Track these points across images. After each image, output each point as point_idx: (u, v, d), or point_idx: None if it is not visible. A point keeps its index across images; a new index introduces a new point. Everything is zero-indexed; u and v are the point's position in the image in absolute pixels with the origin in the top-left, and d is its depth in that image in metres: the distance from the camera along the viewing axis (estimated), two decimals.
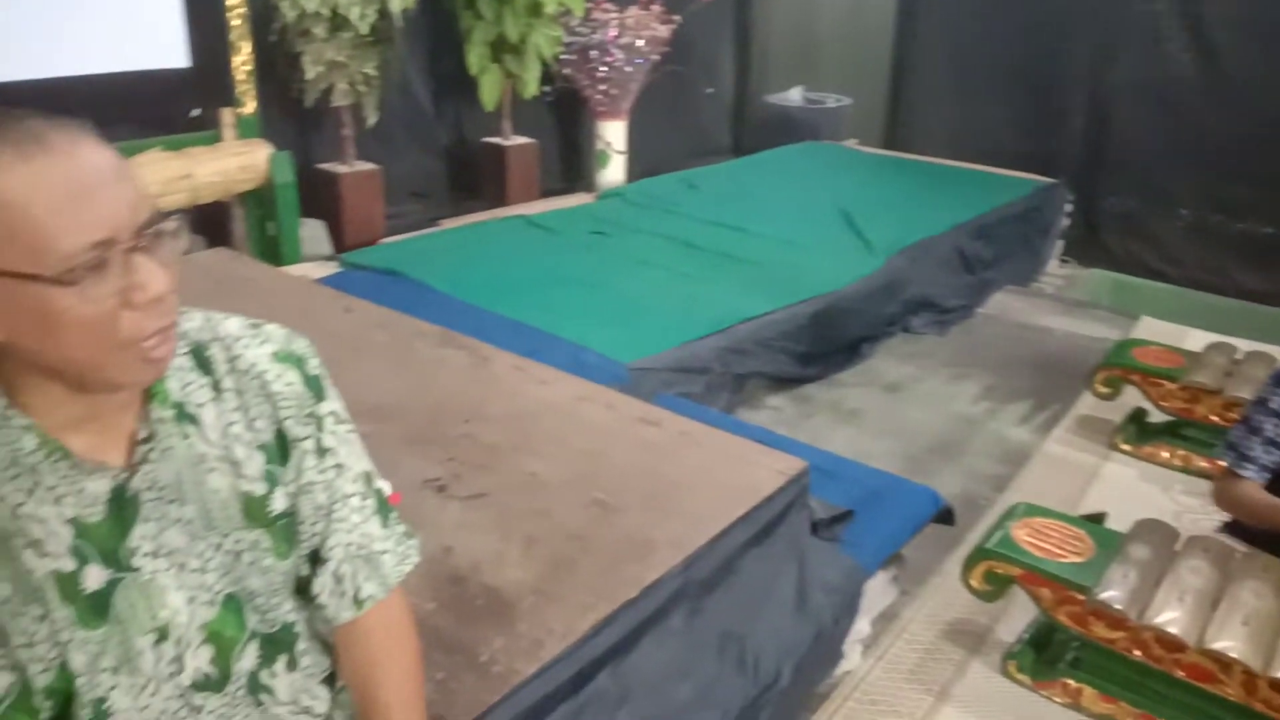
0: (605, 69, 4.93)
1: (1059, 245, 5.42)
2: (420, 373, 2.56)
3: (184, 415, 1.01)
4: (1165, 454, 3.24)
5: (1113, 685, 2.12)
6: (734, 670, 1.81)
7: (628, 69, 4.97)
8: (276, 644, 1.09)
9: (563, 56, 4.88)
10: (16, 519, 0.92)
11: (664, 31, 5.05)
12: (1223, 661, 1.88)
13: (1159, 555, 2.11)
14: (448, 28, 4.72)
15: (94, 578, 0.96)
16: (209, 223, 3.83)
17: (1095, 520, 2.33)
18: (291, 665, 1.12)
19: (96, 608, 0.96)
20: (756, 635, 1.87)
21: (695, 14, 5.48)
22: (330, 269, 3.78)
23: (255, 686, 1.08)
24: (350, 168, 4.29)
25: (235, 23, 3.65)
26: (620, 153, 5.25)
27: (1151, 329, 4.28)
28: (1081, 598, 2.04)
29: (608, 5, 4.95)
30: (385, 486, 1.19)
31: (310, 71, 3.87)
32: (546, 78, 4.90)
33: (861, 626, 2.21)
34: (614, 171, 5.26)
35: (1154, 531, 2.20)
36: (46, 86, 3.16)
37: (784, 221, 4.54)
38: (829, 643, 2.05)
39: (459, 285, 3.56)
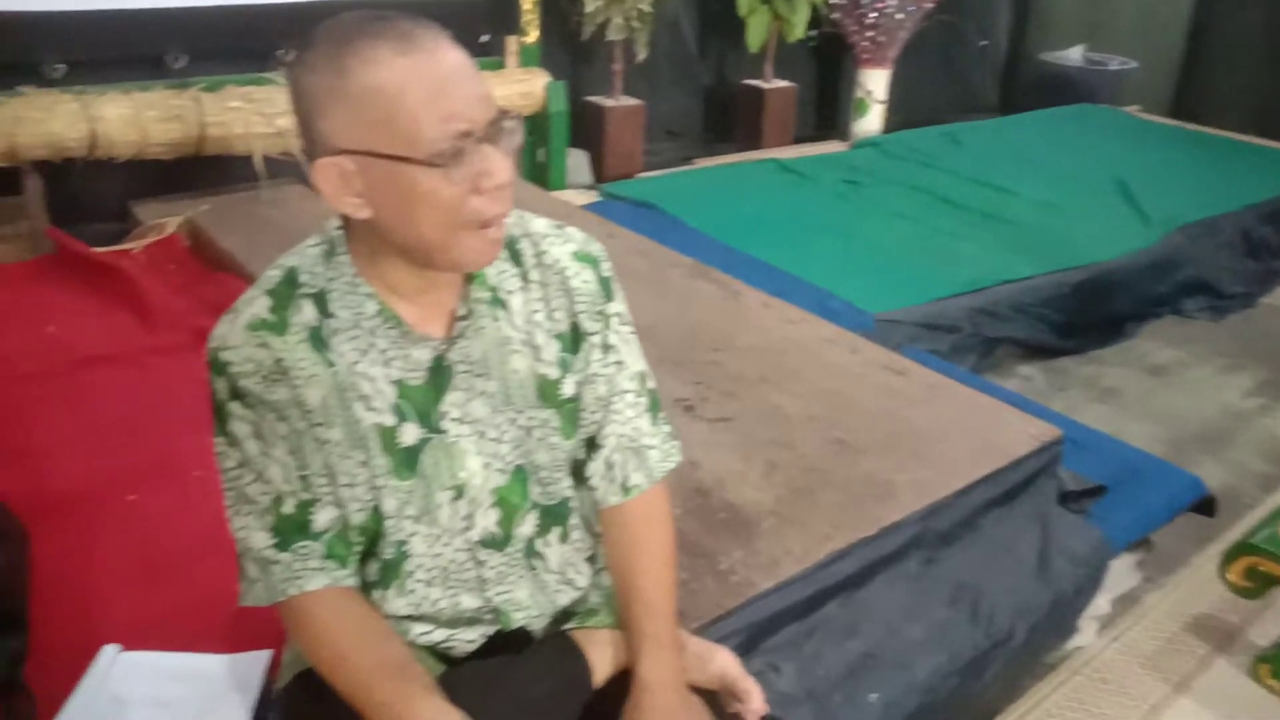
0: (875, 15, 4.81)
1: None
2: (675, 300, 2.65)
3: (496, 300, 1.11)
4: None
5: None
6: (966, 620, 1.80)
7: (898, 16, 4.83)
8: (553, 516, 1.19)
9: (832, 0, 4.80)
10: (352, 374, 1.05)
11: None
12: None
13: None
14: None
15: (409, 434, 1.08)
16: None
17: None
18: (563, 538, 1.21)
19: (409, 461, 1.09)
20: (992, 591, 1.85)
21: None
22: (590, 197, 3.94)
23: (530, 552, 1.18)
24: (616, 102, 4.43)
25: None
26: (880, 102, 5.12)
27: None
28: None
29: None
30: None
31: (590, 5, 4.01)
32: (813, 22, 4.83)
33: (1100, 604, 2.13)
34: (871, 121, 5.14)
35: None
36: (355, 4, 3.44)
37: (1052, 185, 4.30)
38: (1066, 612, 2.00)
39: (711, 223, 3.63)
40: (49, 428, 2.15)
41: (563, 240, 1.16)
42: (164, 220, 3.18)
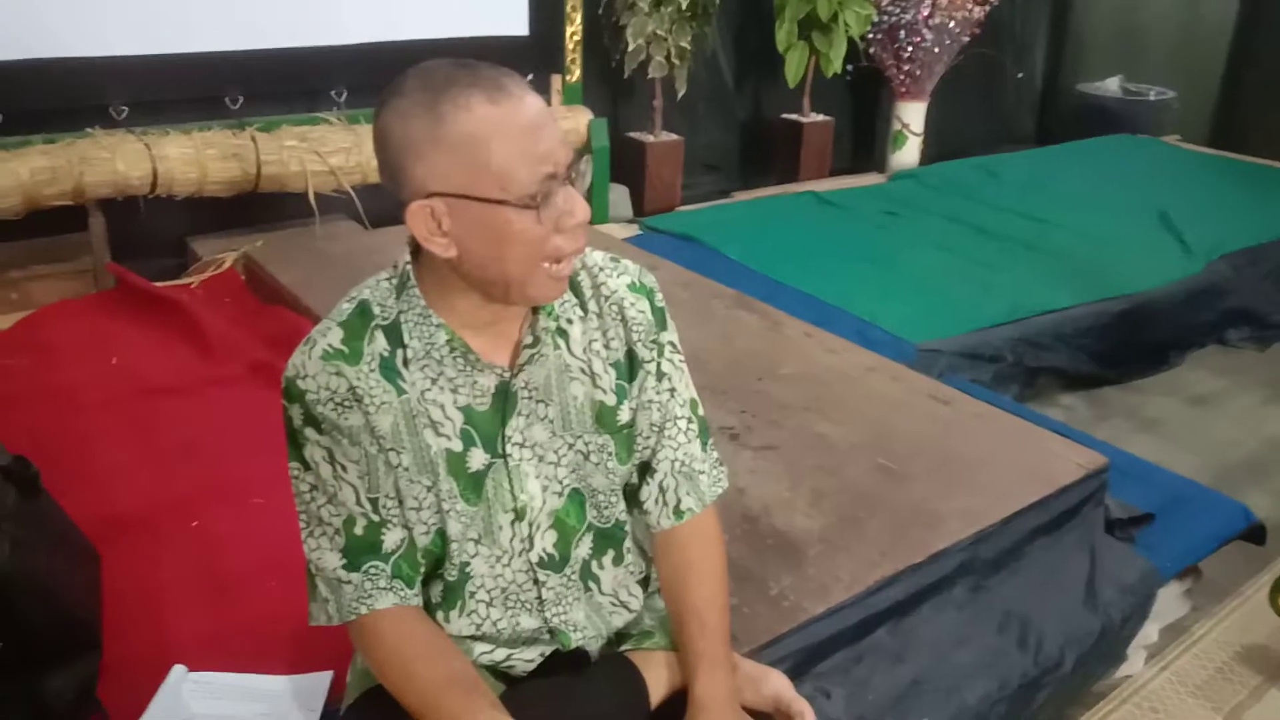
0: (912, 49, 4.86)
1: None
2: (718, 330, 2.70)
3: (559, 329, 1.15)
4: None
5: None
6: (1015, 648, 1.81)
7: (935, 49, 4.87)
8: (608, 538, 1.23)
9: (869, 35, 4.86)
10: (423, 402, 1.10)
11: (978, 13, 4.90)
12: None
13: None
14: (757, 4, 4.83)
15: (477, 459, 1.13)
16: None
17: None
18: (617, 560, 1.25)
19: (475, 485, 1.13)
20: (1040, 619, 1.86)
21: None
22: (632, 231, 4.00)
23: (586, 573, 1.22)
24: (656, 137, 4.50)
25: None
26: (917, 135, 5.16)
27: None
28: None
29: None
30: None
31: (632, 43, 4.10)
32: (850, 56, 4.89)
33: (1149, 632, 2.12)
34: (908, 153, 5.18)
35: None
36: (403, 48, 3.55)
37: (1092, 215, 4.30)
38: (1114, 641, 1.99)
39: (750, 254, 3.67)
40: (115, 454, 2.23)
41: (619, 272, 1.20)
42: (221, 256, 3.29)
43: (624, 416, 1.19)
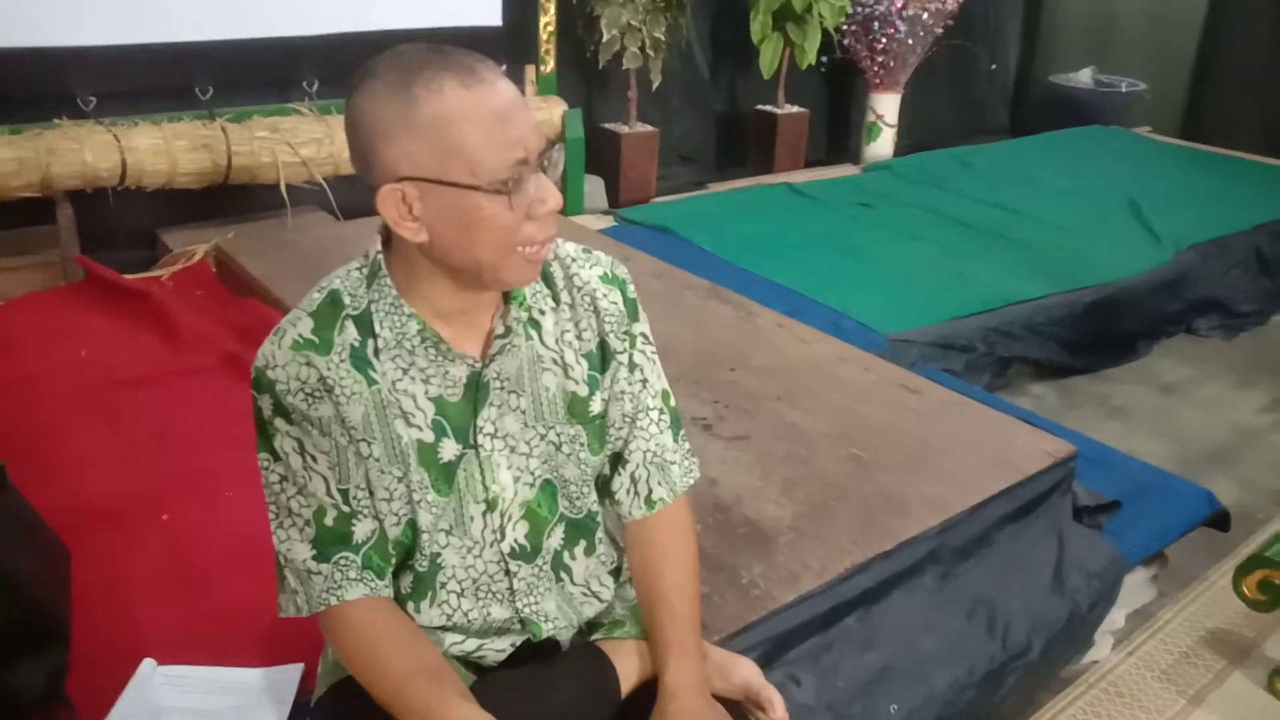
0: (886, 40, 4.88)
1: None
2: (690, 321, 2.70)
3: (531, 319, 1.16)
4: None
5: None
6: (983, 634, 1.83)
7: (909, 41, 4.90)
8: (579, 529, 1.24)
9: (844, 26, 4.87)
10: (394, 392, 1.10)
11: (951, 4, 4.93)
12: None
13: None
14: None
15: (448, 450, 1.13)
16: None
17: None
18: (589, 551, 1.25)
19: (447, 476, 1.13)
20: (1008, 605, 1.88)
21: None
22: (606, 222, 4.00)
23: (558, 564, 1.23)
24: (631, 129, 4.50)
25: None
26: (891, 126, 5.19)
27: None
28: None
29: None
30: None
31: (606, 34, 4.09)
32: (824, 48, 4.91)
33: (1115, 618, 2.15)
34: (882, 145, 5.21)
35: None
36: (375, 38, 3.53)
37: (1063, 206, 4.35)
38: (1081, 626, 2.02)
39: (724, 246, 3.68)
40: (84, 447, 2.21)
41: (591, 263, 1.21)
42: (191, 247, 3.26)
43: (596, 407, 1.20)
